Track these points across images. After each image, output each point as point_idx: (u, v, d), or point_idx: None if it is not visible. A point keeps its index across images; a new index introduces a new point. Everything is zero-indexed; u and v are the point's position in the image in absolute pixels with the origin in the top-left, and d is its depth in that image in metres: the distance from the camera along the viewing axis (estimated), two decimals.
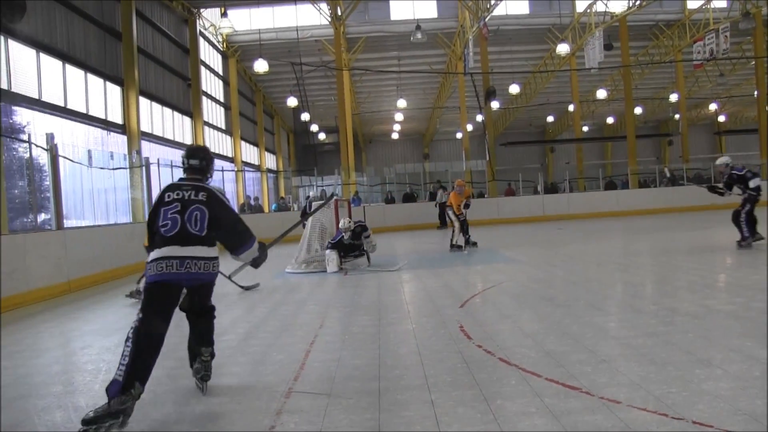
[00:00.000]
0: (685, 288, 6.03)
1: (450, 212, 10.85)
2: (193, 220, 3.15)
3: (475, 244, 10.99)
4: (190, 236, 3.13)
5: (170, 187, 3.29)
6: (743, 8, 22.10)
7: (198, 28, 21.36)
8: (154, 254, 3.11)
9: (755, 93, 25.01)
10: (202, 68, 21.99)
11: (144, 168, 12.16)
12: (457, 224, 10.68)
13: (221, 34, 24.13)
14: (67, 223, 9.19)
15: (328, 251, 8.68)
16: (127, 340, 2.91)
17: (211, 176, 3.52)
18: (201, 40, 21.90)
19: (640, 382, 3.03)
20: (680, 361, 3.36)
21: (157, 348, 2.99)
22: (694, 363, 3.31)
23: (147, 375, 2.94)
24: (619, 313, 5.02)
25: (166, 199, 3.21)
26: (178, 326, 3.35)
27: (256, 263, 3.53)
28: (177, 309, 3.23)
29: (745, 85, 33.44)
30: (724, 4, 24.03)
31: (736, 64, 29.32)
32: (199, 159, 3.41)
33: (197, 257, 3.13)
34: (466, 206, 10.75)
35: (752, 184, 8.41)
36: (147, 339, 2.93)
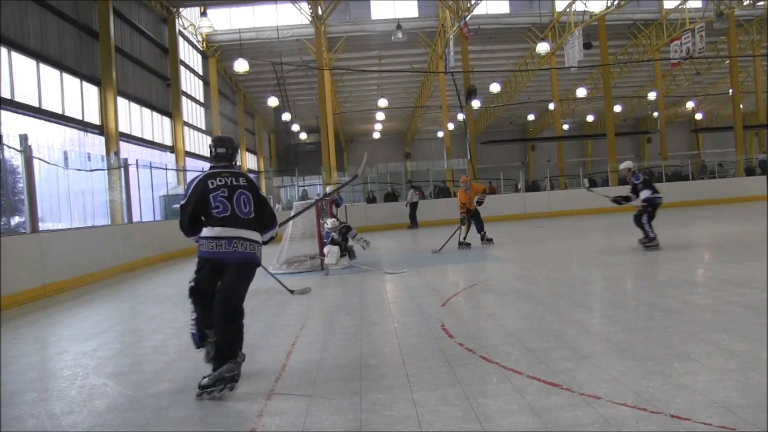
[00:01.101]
0: (664, 283, 6.10)
1: (459, 210, 10.81)
2: (242, 204, 3.48)
3: (490, 240, 10.93)
4: (240, 219, 3.45)
5: (210, 175, 3.54)
6: (717, 9, 22.58)
7: (177, 27, 21.07)
8: (207, 231, 3.43)
9: (730, 91, 25.54)
10: (182, 68, 21.71)
11: (122, 169, 11.95)
12: (465, 222, 10.59)
13: (201, 34, 23.85)
14: (42, 226, 8.99)
15: (329, 246, 9.13)
16: (189, 299, 3.49)
17: (236, 164, 3.81)
18: (180, 39, 21.61)
19: (620, 378, 3.05)
20: (660, 355, 3.41)
21: (211, 300, 3.40)
22: (672, 357, 3.35)
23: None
24: (600, 310, 5.07)
25: (211, 186, 3.47)
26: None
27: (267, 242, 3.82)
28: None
29: (721, 84, 34.13)
30: (699, 5, 24.49)
31: (711, 63, 29.90)
32: (225, 148, 3.72)
33: (244, 238, 3.43)
34: (479, 203, 10.70)
35: (642, 195, 8.46)
36: (201, 296, 3.45)
